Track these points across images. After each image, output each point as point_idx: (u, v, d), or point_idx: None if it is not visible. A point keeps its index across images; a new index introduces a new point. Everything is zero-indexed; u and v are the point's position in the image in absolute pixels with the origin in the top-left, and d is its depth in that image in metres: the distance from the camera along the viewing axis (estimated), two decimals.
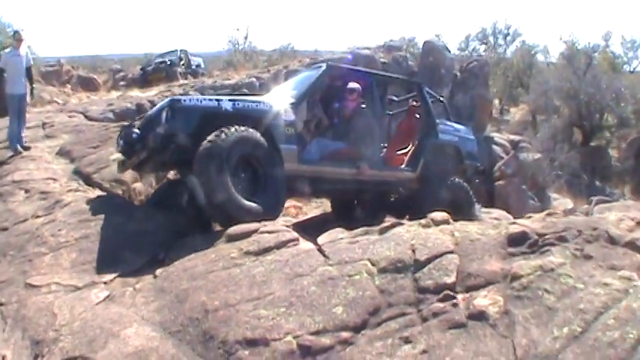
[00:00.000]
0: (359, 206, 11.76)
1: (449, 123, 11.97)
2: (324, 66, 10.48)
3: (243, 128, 8.10)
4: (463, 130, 12.27)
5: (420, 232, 6.49)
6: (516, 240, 6.11)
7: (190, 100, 8.67)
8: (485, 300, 5.18)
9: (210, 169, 7.71)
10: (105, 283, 6.81)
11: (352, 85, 10.29)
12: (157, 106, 9.26)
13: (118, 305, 6.17)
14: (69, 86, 31.25)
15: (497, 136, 23.76)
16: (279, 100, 9.37)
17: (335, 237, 6.88)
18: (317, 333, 5.02)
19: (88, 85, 32.96)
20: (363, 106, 10.49)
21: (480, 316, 5.01)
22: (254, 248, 6.56)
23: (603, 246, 5.96)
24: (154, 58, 36.08)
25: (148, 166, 9.48)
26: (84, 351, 5.35)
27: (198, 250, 6.98)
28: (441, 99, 12.92)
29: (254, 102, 9.02)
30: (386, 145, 11.43)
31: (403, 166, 10.90)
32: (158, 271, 6.76)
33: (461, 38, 47.56)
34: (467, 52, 43.91)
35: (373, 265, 5.84)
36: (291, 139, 8.93)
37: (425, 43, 24.94)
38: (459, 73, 25.03)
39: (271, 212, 8.10)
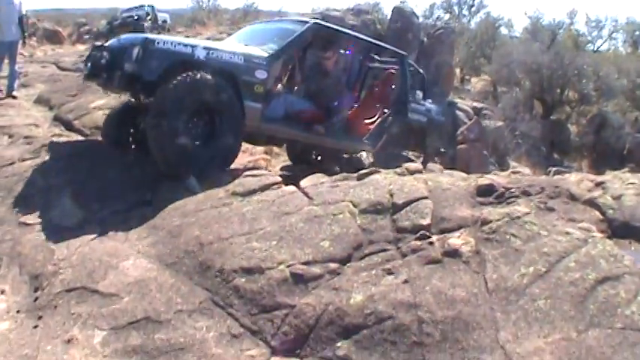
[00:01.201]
0: (316, 156, 11.95)
1: (422, 102, 11.55)
2: (310, 22, 9.97)
3: (209, 76, 7.97)
4: (434, 111, 11.91)
5: (396, 179, 6.78)
6: (484, 191, 6.42)
7: (164, 42, 8.16)
8: (458, 240, 5.50)
9: (165, 112, 7.71)
10: (97, 221, 7.07)
11: (333, 47, 10.22)
12: (131, 36, 9.01)
13: (113, 241, 6.44)
14: (34, 39, 31.03)
15: (460, 102, 24.07)
16: (255, 53, 9.00)
17: (316, 181, 7.19)
18: (307, 263, 5.37)
19: (52, 38, 32.64)
20: (344, 56, 10.40)
21: (454, 253, 5.35)
22: (240, 190, 6.89)
23: (564, 202, 6.31)
24: (121, 12, 35.80)
25: (112, 89, 9.39)
26: (85, 282, 5.58)
27: (184, 192, 7.33)
28: (421, 71, 12.46)
29: (229, 53, 8.64)
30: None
31: (365, 138, 10.73)
32: (148, 210, 7.07)
33: (425, 6, 47.69)
34: (431, 20, 44.09)
35: (355, 206, 6.16)
36: (257, 98, 8.76)
37: (394, 8, 25.04)
38: (425, 39, 25.24)
39: (222, 162, 8.22)
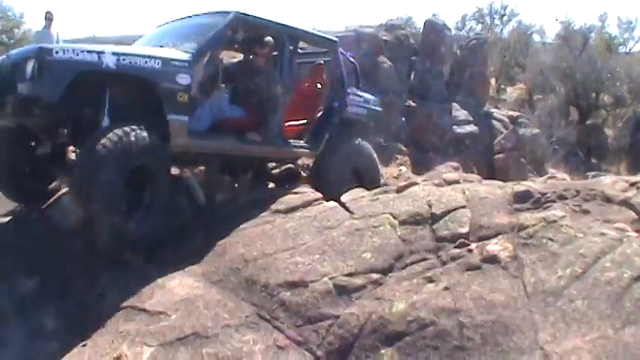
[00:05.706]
0: (242, 174, 9.81)
1: (359, 92, 10.21)
2: (231, 13, 8.31)
3: (144, 134, 6.71)
4: (372, 102, 10.51)
5: (434, 190, 6.90)
6: (521, 197, 6.48)
7: (65, 51, 6.57)
8: (496, 246, 5.61)
9: (92, 200, 6.35)
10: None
11: (266, 38, 8.76)
12: (22, 49, 7.39)
13: (158, 262, 6.61)
14: None
15: (496, 112, 24.02)
16: (174, 56, 7.49)
17: (357, 196, 7.36)
18: (350, 275, 5.54)
19: None
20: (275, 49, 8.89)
21: (492, 259, 5.45)
22: (282, 207, 7.11)
23: (599, 204, 6.33)
24: None
25: (6, 118, 7.35)
26: (132, 301, 5.74)
27: (227, 212, 7.50)
28: (353, 61, 10.70)
29: (144, 58, 7.10)
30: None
31: (303, 141, 9.19)
32: (191, 233, 7.27)
33: (457, 18, 47.28)
34: (463, 31, 43.94)
35: (395, 218, 6.31)
36: (182, 109, 7.31)
37: (426, 22, 25.00)
38: (459, 51, 25.24)
39: (161, 233, 7.09)
